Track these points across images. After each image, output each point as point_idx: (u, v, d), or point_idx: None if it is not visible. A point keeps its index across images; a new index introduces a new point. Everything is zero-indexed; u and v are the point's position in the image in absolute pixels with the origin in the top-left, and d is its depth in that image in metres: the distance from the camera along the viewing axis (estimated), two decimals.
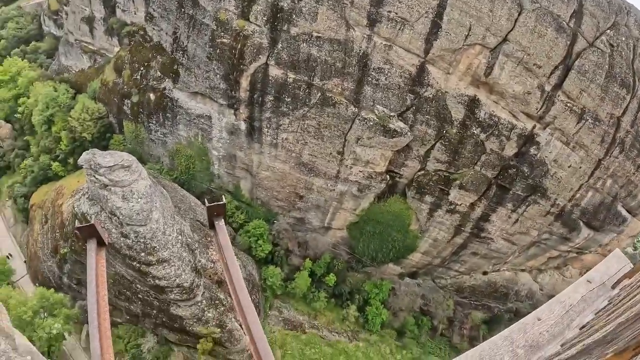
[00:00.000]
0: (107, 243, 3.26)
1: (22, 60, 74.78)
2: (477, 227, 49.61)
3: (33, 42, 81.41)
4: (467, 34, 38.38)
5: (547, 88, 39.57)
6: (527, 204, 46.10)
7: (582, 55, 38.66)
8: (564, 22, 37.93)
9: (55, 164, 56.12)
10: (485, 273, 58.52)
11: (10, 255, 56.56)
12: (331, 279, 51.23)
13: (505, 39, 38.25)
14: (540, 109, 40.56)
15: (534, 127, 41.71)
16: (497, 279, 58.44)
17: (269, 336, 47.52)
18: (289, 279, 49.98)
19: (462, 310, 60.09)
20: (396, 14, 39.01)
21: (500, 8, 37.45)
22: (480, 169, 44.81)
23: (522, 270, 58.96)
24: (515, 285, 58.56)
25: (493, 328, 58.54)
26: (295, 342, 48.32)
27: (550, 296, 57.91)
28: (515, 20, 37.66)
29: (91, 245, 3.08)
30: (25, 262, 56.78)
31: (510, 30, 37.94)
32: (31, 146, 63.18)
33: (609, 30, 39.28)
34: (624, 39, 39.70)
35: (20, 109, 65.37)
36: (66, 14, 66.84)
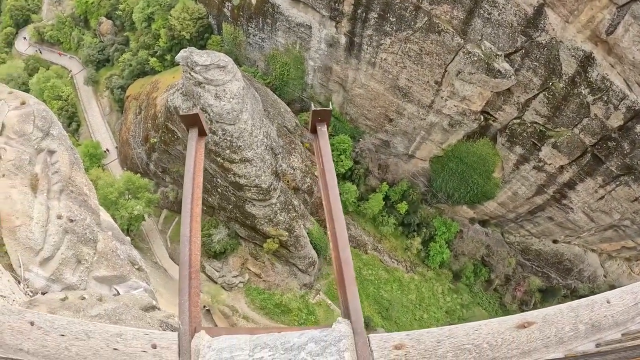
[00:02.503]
0: (207, 133, 3.28)
1: None
2: (560, 193, 47.12)
3: None
4: None
5: None
6: (617, 183, 42.67)
7: None
8: None
9: (152, 59, 58.14)
10: (555, 242, 56.35)
11: (108, 150, 60.66)
12: (403, 206, 51.17)
13: None
14: None
15: None
16: (565, 251, 56.20)
17: None
18: (363, 199, 50.51)
19: (521, 272, 58.86)
20: None
21: None
22: (579, 132, 41.48)
23: (593, 251, 56.22)
24: (581, 264, 56.20)
25: (546, 299, 57.24)
26: (356, 259, 49.53)
27: (612, 286, 55.39)
28: None
29: (192, 134, 3.12)
30: (116, 147, 61.37)
31: None
32: (130, 42, 65.78)
33: None
34: None
35: (121, 7, 67.41)
36: None
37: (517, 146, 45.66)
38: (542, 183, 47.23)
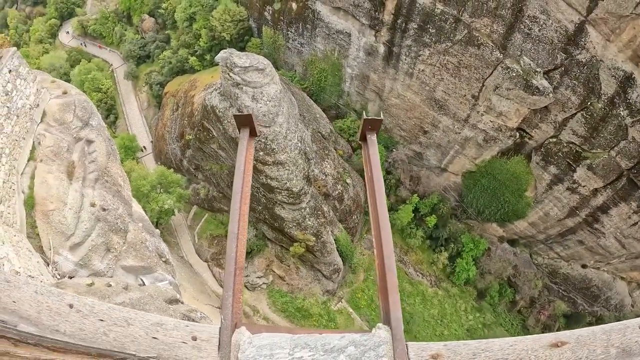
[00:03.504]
0: (257, 134, 3.45)
1: None
2: (593, 217, 45.87)
3: None
4: (638, 1, 33.01)
5: None
6: None
7: None
8: None
9: (192, 58, 59.19)
10: (584, 266, 54.76)
11: (145, 148, 61.56)
12: (432, 220, 50.73)
13: None
14: None
15: None
16: (594, 277, 54.55)
17: (358, 258, 49.22)
18: (393, 209, 50.19)
19: (547, 295, 57.29)
20: None
21: None
22: (616, 155, 40.40)
23: (622, 278, 54.41)
24: (609, 291, 54.44)
25: (570, 325, 55.47)
26: None
27: (638, 315, 52.51)
28: None
29: (244, 134, 3.31)
30: (151, 142, 62.70)
31: None
32: (171, 40, 67.29)
33: None
34: None
35: (164, 5, 69.02)
36: None
37: (552, 166, 44.82)
38: (575, 205, 46.12)
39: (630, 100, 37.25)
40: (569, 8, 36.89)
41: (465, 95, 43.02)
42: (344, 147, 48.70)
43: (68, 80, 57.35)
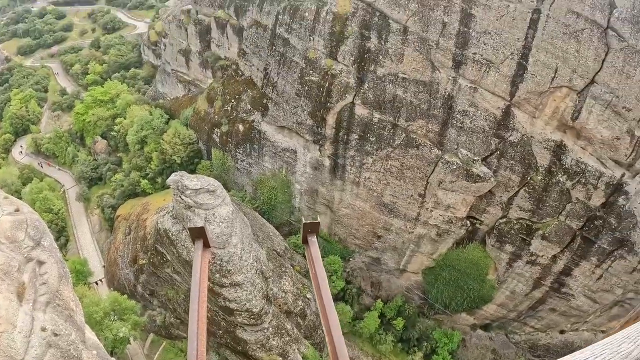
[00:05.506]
0: (210, 246, 3.99)
1: (122, 84, 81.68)
2: (558, 282, 46.75)
3: (132, 69, 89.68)
4: (553, 76, 37.07)
5: (638, 133, 36.51)
6: (612, 258, 42.76)
7: None
8: None
9: (144, 181, 59.63)
10: (562, 332, 54.45)
11: (101, 281, 58.89)
12: (400, 322, 49.89)
13: (592, 81, 36.36)
14: (630, 155, 37.53)
15: (622, 175, 38.75)
16: (575, 339, 54.11)
17: None
18: (358, 318, 49.19)
19: None
20: (481, 55, 38.73)
21: (587, 48, 35.76)
22: (565, 219, 42.22)
23: (603, 332, 54.28)
24: None
25: None
26: None
27: None
28: (603, 61, 35.71)
29: (198, 245, 3.80)
30: (103, 266, 60.40)
31: (598, 71, 35.95)
32: (123, 162, 68.15)
33: None
34: None
35: (116, 128, 70.65)
36: (164, 45, 72.43)
37: (507, 245, 45.85)
38: (538, 276, 46.88)
39: (566, 165, 39.83)
40: (493, 96, 40.03)
41: (412, 195, 44.33)
42: (300, 263, 48.34)
43: (20, 198, 55.64)
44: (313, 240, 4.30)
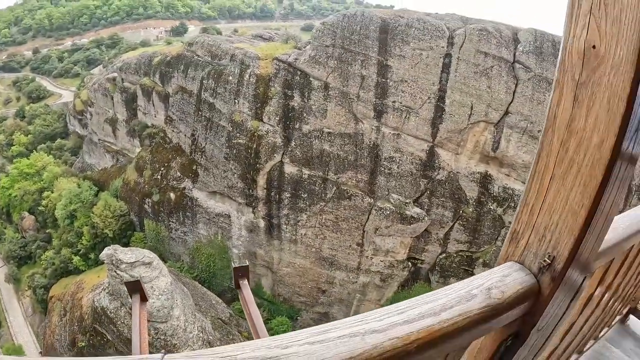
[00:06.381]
0: (147, 299, 4.20)
1: (48, 155, 78.51)
2: None
3: (58, 139, 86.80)
4: (470, 112, 39.35)
5: None
6: None
7: None
8: None
9: (76, 258, 56.68)
10: None
11: None
12: None
13: (507, 112, 38.99)
14: None
15: None
16: None
17: None
18: None
19: None
20: (401, 103, 40.60)
21: (497, 83, 38.53)
22: (502, 244, 44.37)
23: None
24: None
25: None
26: None
27: None
28: (514, 92, 38.50)
29: (135, 298, 4.03)
30: (40, 353, 56.46)
31: (511, 103, 38.68)
32: (53, 239, 64.60)
33: None
34: None
35: (44, 202, 67.30)
36: (90, 114, 70.70)
37: (451, 278, 46.81)
38: None
39: (494, 194, 41.70)
40: (416, 140, 41.90)
41: (350, 246, 45.00)
42: (247, 329, 47.30)
43: None
44: (245, 283, 4.45)
